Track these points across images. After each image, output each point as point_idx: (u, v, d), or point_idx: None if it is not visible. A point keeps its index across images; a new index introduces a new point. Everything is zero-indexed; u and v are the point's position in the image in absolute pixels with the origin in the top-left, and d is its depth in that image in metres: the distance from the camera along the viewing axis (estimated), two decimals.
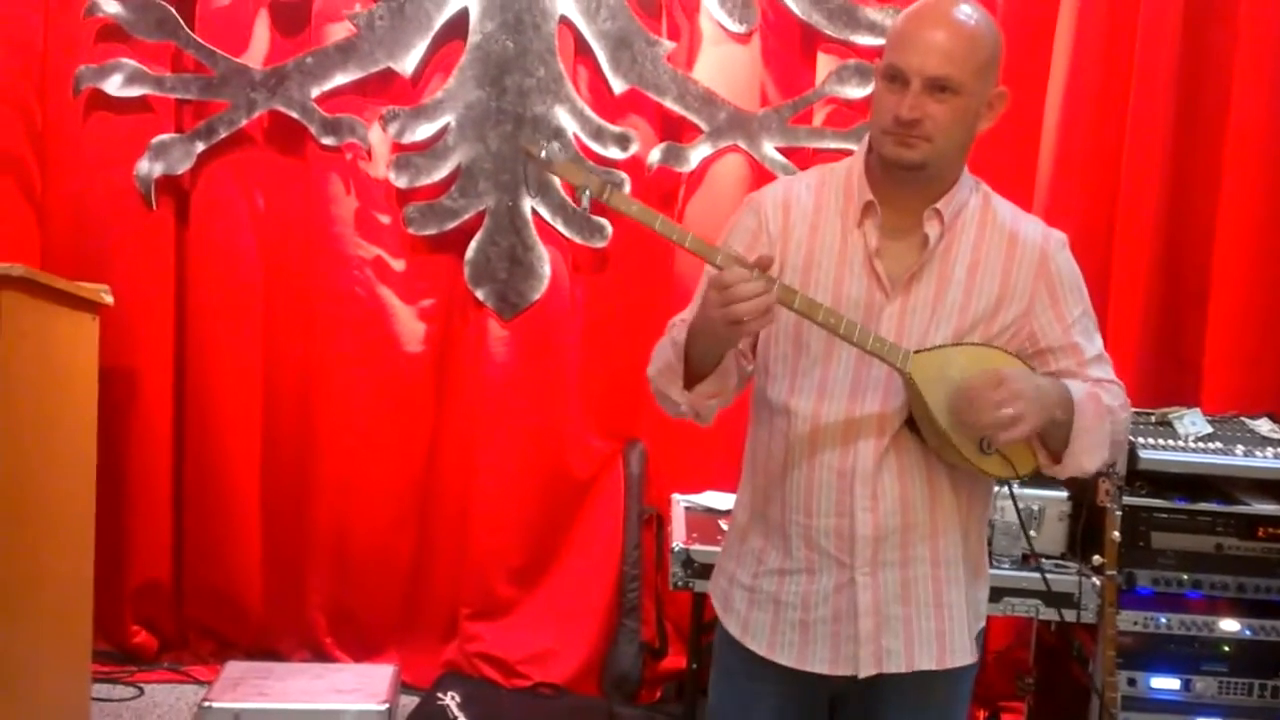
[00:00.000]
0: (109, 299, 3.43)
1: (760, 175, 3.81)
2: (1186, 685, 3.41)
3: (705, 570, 3.17)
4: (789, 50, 3.93)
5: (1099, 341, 2.16)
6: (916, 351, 2.00)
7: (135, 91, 3.81)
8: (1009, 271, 2.08)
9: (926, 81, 1.95)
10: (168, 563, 4.06)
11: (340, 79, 3.82)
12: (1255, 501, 3.39)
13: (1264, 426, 3.57)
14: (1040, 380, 2.02)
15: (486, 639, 4.06)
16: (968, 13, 2.00)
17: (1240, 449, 3.43)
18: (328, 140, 3.83)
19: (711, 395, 2.07)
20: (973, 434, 1.97)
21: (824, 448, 2.07)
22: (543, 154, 2.00)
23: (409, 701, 3.83)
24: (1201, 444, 3.44)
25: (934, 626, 2.11)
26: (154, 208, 3.86)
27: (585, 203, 1.97)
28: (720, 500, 3.62)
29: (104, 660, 3.90)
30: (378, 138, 3.87)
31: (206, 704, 3.49)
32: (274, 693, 3.59)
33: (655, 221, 1.97)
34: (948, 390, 1.98)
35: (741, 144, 3.85)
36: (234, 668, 3.75)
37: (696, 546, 3.31)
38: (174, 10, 3.78)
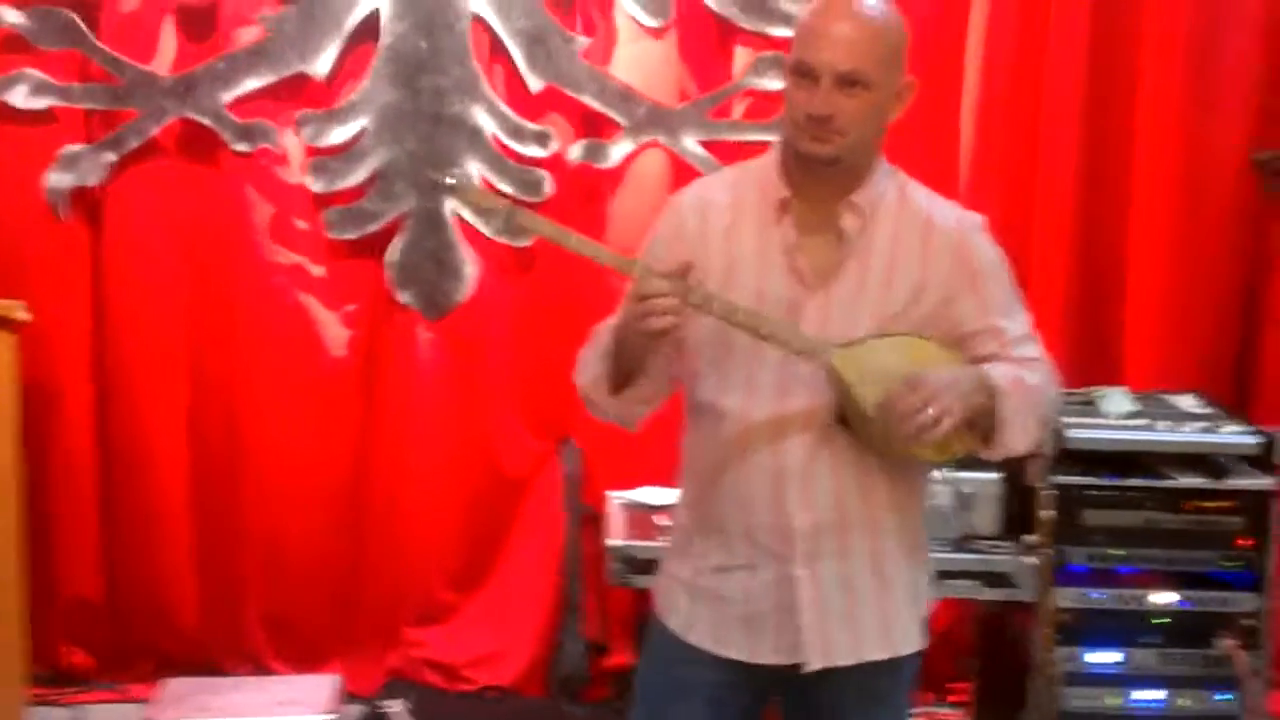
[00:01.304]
0: (25, 315, 3.38)
1: (682, 170, 3.80)
2: (1124, 658, 3.46)
3: (644, 566, 3.16)
4: (705, 43, 3.91)
5: (1024, 320, 2.17)
6: (840, 346, 2.00)
7: (41, 103, 3.71)
8: (927, 259, 2.09)
9: (837, 77, 1.96)
10: (99, 581, 3.98)
11: (252, 84, 3.74)
12: (1181, 476, 3.43)
13: (1187, 402, 3.62)
14: (960, 372, 2.03)
15: (429, 645, 4.03)
16: (872, 4, 2.01)
17: (1164, 425, 3.47)
18: (241, 147, 3.76)
19: (639, 402, 2.10)
20: (906, 443, 1.97)
21: (755, 446, 2.08)
22: (451, 181, 2.02)
23: (353, 711, 3.80)
24: (1127, 421, 3.48)
25: (879, 616, 2.13)
26: (66, 220, 3.78)
27: (496, 227, 1.99)
28: (655, 496, 3.61)
29: (40, 683, 3.83)
30: (292, 143, 3.81)
31: None
32: (215, 708, 3.56)
33: (569, 239, 2.00)
34: (874, 384, 1.98)
35: (662, 139, 3.83)
36: (173, 685, 3.71)
37: (634, 542, 3.30)
38: (78, 18, 3.68)
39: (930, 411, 1.91)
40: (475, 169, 3.76)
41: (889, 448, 2.04)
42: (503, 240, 3.85)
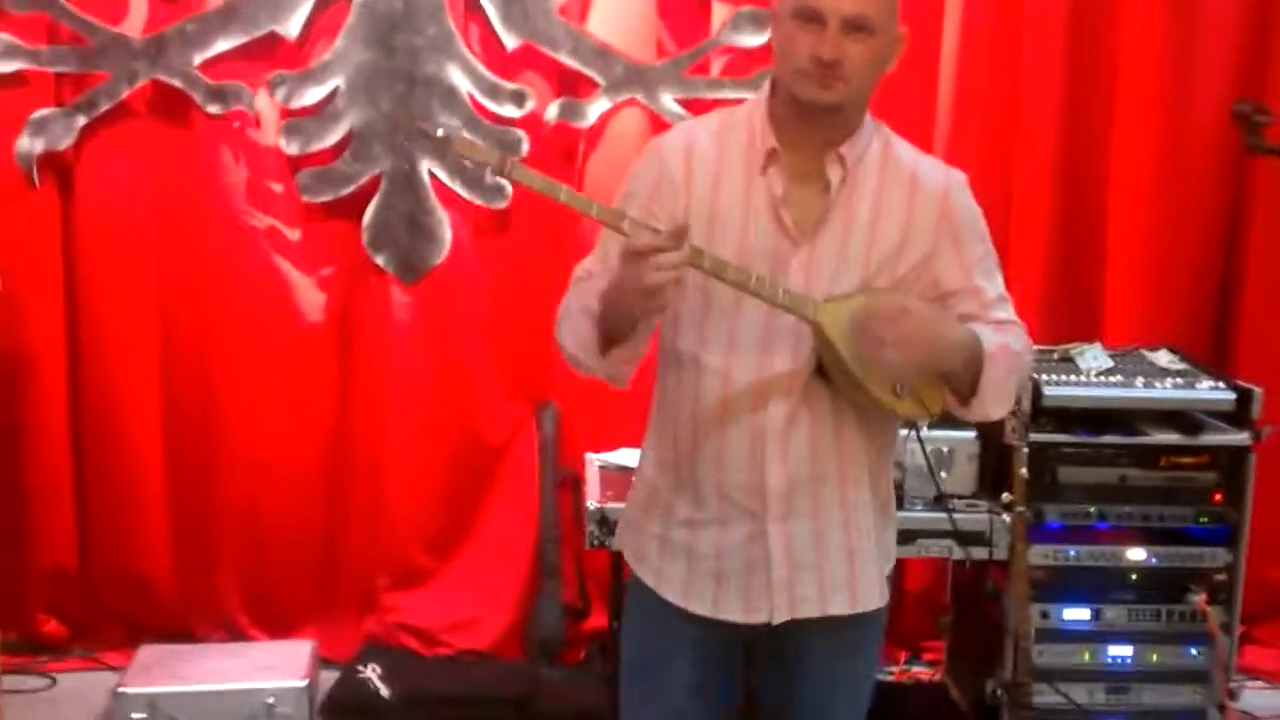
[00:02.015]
0: None
1: (660, 128, 3.76)
2: (1097, 615, 3.48)
3: None
4: (682, 0, 3.89)
5: (1000, 282, 2.17)
6: (825, 301, 2.00)
7: (10, 67, 3.67)
8: (911, 214, 2.08)
9: (845, 21, 1.93)
10: (73, 548, 3.96)
11: (223, 44, 3.71)
12: (1156, 432, 3.45)
13: (1163, 358, 3.64)
14: (949, 327, 2.03)
15: (406, 609, 4.03)
16: None
17: (1140, 381, 3.49)
18: (213, 109, 3.73)
19: (628, 359, 2.05)
20: (865, 364, 1.98)
21: (735, 402, 2.06)
22: (440, 132, 1.98)
23: (330, 677, 3.80)
24: (1103, 378, 3.49)
25: (846, 571, 2.13)
26: (37, 185, 3.74)
27: (488, 177, 1.95)
28: (634, 458, 3.57)
29: (13, 651, 3.80)
30: (265, 104, 3.78)
31: (121, 690, 3.44)
32: (190, 675, 3.55)
33: (559, 193, 1.96)
34: (857, 336, 1.98)
35: (640, 97, 3.82)
36: (147, 651, 3.70)
37: (611, 505, 3.29)
38: None
39: (893, 355, 1.93)
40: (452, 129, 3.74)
41: (869, 399, 2.03)
42: (479, 202, 3.84)
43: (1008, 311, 2.15)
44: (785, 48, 1.99)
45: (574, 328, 2.07)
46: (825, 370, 2.05)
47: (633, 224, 1.93)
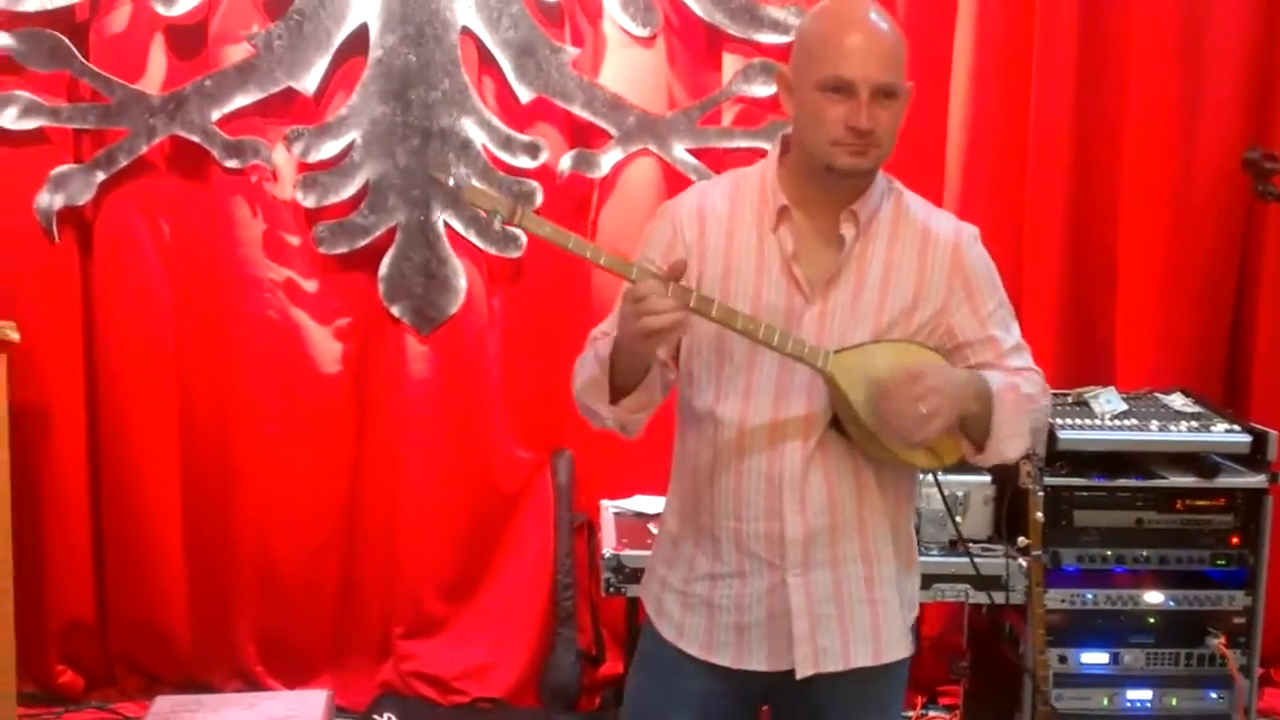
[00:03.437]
0: (15, 336, 3.40)
1: (672, 177, 3.82)
2: (1115, 658, 3.47)
3: (637, 575, 3.16)
4: (694, 51, 3.93)
5: (1016, 331, 2.19)
6: (836, 351, 2.02)
7: (31, 124, 3.72)
8: (923, 269, 2.10)
9: (875, 89, 1.97)
10: (90, 600, 3.98)
11: (241, 100, 3.76)
12: (1172, 475, 3.45)
13: (1177, 401, 3.64)
14: (957, 374, 2.04)
15: (421, 657, 4.02)
16: (879, 12, 2.03)
17: (1155, 424, 3.49)
18: (231, 163, 3.77)
19: (637, 409, 2.08)
20: (892, 432, 1.98)
21: (751, 453, 2.08)
22: (451, 181, 2.01)
23: None
24: (1118, 421, 3.50)
25: (869, 623, 2.13)
26: (56, 240, 3.78)
27: (497, 225, 1.98)
28: (649, 504, 3.62)
29: (29, 703, 3.82)
30: (282, 158, 3.82)
31: None
32: None
33: (568, 241, 1.99)
34: (870, 387, 1.99)
35: (652, 147, 3.85)
36: (163, 702, 3.70)
37: (627, 551, 3.31)
38: (66, 39, 3.68)
39: (922, 408, 1.93)
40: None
41: (884, 451, 2.05)
42: (493, 251, 3.87)
43: (1025, 359, 2.16)
44: (815, 118, 2.00)
45: (586, 380, 2.10)
46: (840, 422, 2.06)
47: (640, 271, 1.96)
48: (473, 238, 3.86)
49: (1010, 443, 2.09)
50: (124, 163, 3.77)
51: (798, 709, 2.20)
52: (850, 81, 1.96)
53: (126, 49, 3.77)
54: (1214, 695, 3.47)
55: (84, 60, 3.72)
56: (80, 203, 3.78)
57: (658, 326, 1.88)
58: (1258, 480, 3.42)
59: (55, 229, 3.77)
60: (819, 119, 1.99)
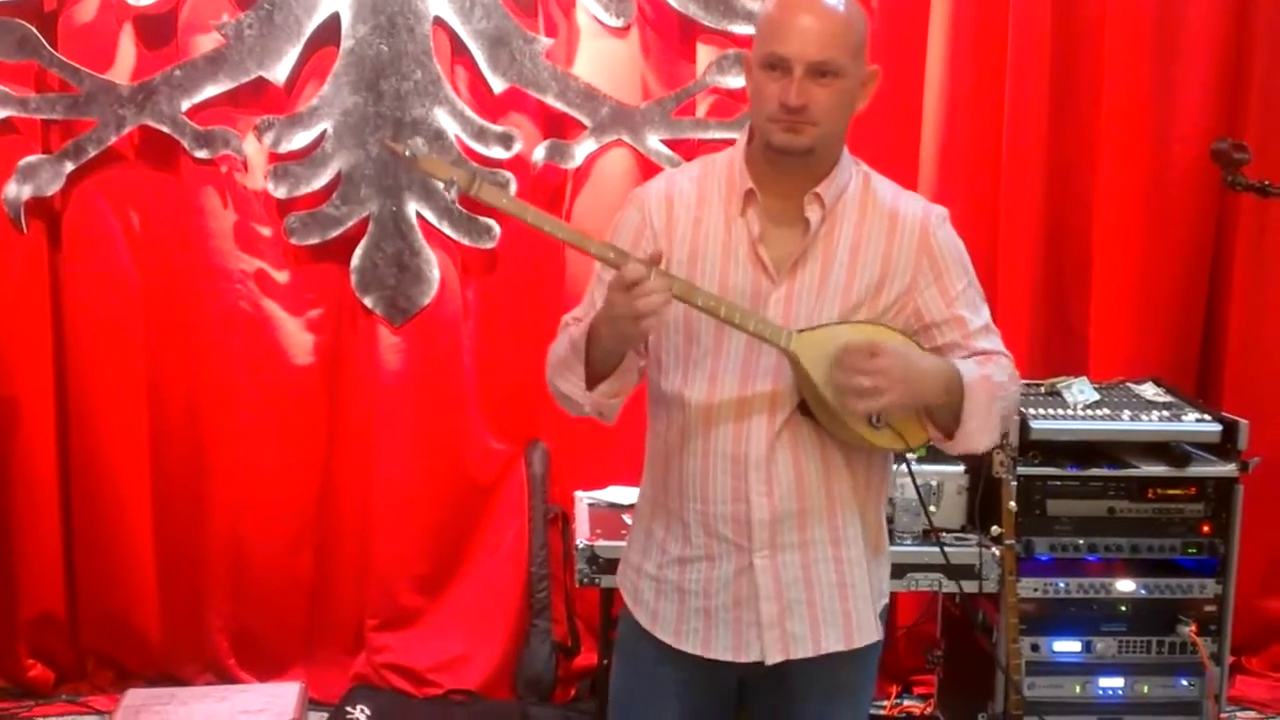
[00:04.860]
0: None
1: (646, 168, 3.81)
2: (1087, 646, 3.50)
3: (611, 566, 3.16)
4: (668, 42, 3.93)
5: (986, 313, 2.18)
6: (800, 331, 2.02)
7: None
8: (890, 250, 2.10)
9: (809, 67, 1.97)
10: (60, 592, 3.95)
11: (211, 90, 3.73)
12: (1144, 464, 3.47)
13: (1149, 391, 3.66)
14: (923, 363, 2.04)
15: (395, 649, 4.01)
16: None
17: (1127, 414, 3.51)
18: (201, 153, 3.74)
19: (614, 394, 2.09)
20: (843, 396, 1.98)
21: (717, 435, 2.08)
22: (406, 151, 2.00)
23: (318, 718, 3.79)
24: (1090, 411, 3.51)
25: (838, 607, 2.13)
26: (24, 231, 3.75)
27: (453, 196, 1.97)
28: (623, 495, 3.61)
29: None
30: (253, 148, 3.79)
31: None
32: (177, 718, 3.53)
33: (526, 214, 2.00)
34: (833, 355, 1.99)
35: (626, 138, 3.84)
36: (134, 695, 3.69)
37: (601, 542, 3.30)
38: (34, 29, 3.65)
39: (867, 382, 1.93)
40: None
41: (850, 433, 2.04)
42: (466, 242, 3.86)
43: (994, 342, 2.16)
44: (756, 95, 2.04)
45: (561, 366, 2.10)
46: (806, 404, 2.06)
47: (599, 247, 1.97)
48: (446, 229, 3.85)
49: (979, 435, 2.09)
50: (93, 153, 3.74)
51: (769, 700, 2.20)
52: (784, 58, 1.97)
53: (95, 39, 3.74)
54: (1185, 682, 3.50)
55: (52, 50, 3.68)
56: (49, 193, 3.75)
57: (649, 309, 1.89)
58: (1228, 469, 3.45)
59: (24, 220, 3.74)
60: (759, 96, 2.02)
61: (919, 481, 3.34)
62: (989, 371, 2.09)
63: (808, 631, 2.12)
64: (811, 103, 1.97)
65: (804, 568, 2.11)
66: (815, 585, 2.12)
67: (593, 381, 2.06)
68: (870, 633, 2.18)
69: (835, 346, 1.99)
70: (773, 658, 2.11)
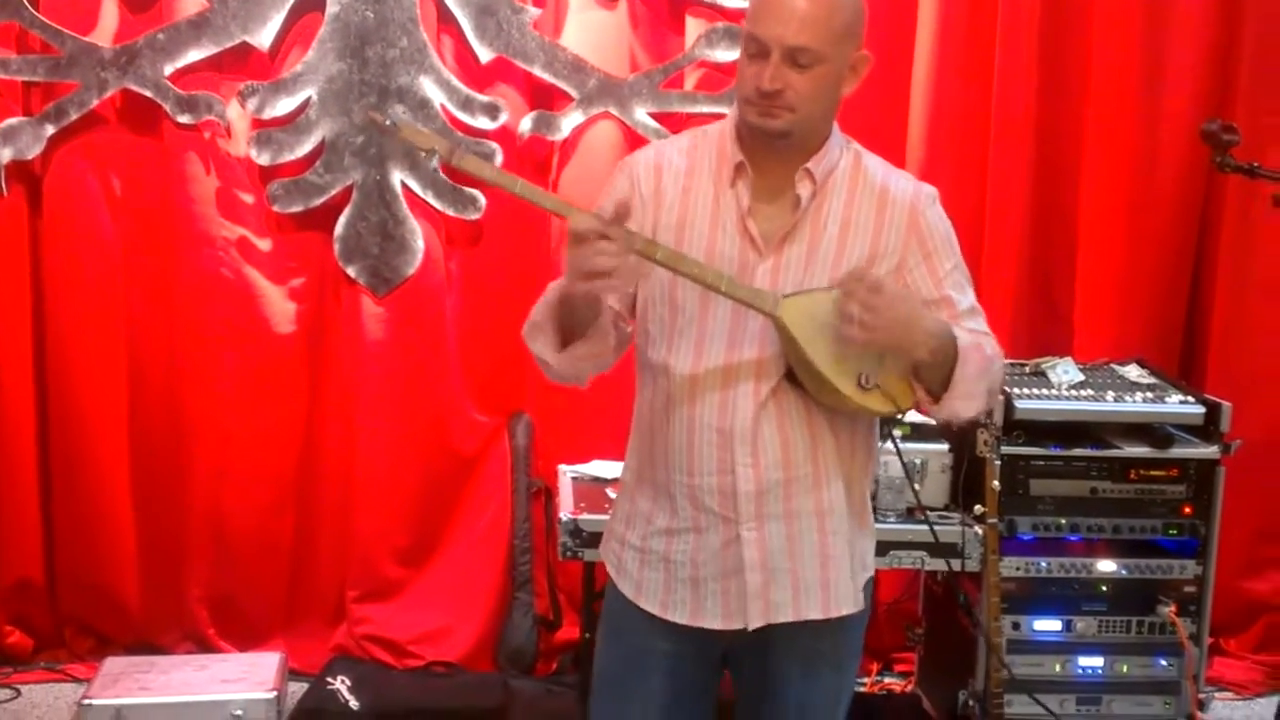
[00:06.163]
0: None
1: (634, 141, 3.79)
2: (1068, 626, 3.51)
3: (594, 539, 3.15)
4: (657, 15, 3.90)
5: (971, 294, 2.18)
6: (787, 296, 2.00)
7: None
8: (880, 228, 2.09)
9: (786, 52, 1.96)
10: (39, 560, 3.93)
11: (194, 55, 3.69)
12: (1126, 445, 3.48)
13: (1133, 372, 3.67)
14: (923, 313, 2.03)
15: (376, 621, 4.01)
16: None
17: (1111, 395, 3.52)
18: (184, 118, 3.70)
19: (586, 358, 2.07)
20: (831, 359, 1.97)
21: (703, 405, 2.08)
22: (388, 120, 1.99)
23: (298, 688, 3.79)
24: (1074, 392, 3.52)
25: (819, 576, 2.13)
26: (4, 194, 3.71)
27: (434, 165, 1.97)
28: (607, 469, 3.61)
29: None
30: (236, 114, 3.76)
31: (86, 702, 3.41)
32: (156, 686, 3.53)
33: (510, 183, 1.98)
34: (823, 336, 1.98)
35: (613, 110, 3.82)
36: (113, 663, 3.68)
37: (584, 516, 3.29)
38: None
39: (859, 313, 1.91)
40: None
41: (838, 397, 2.03)
42: (451, 213, 3.83)
43: (980, 324, 2.16)
44: (739, 75, 2.04)
45: (534, 326, 2.09)
46: (793, 371, 2.05)
47: (578, 213, 1.94)
48: (430, 198, 3.82)
49: (966, 401, 2.08)
50: (74, 116, 3.70)
51: (754, 668, 2.20)
52: (762, 41, 1.97)
53: (78, 0, 3.69)
54: (1164, 663, 3.52)
55: (34, 11, 3.64)
56: (29, 157, 3.71)
57: (601, 267, 1.86)
58: (1210, 451, 3.46)
59: (4, 183, 3.70)
60: (740, 77, 2.03)
61: (904, 459, 3.33)
62: (981, 342, 2.10)
63: (789, 599, 2.12)
64: (788, 88, 1.97)
65: (789, 539, 2.11)
66: (798, 555, 2.11)
67: (565, 344, 2.05)
68: (850, 603, 2.17)
69: (821, 311, 1.97)
70: (754, 623, 2.11)
